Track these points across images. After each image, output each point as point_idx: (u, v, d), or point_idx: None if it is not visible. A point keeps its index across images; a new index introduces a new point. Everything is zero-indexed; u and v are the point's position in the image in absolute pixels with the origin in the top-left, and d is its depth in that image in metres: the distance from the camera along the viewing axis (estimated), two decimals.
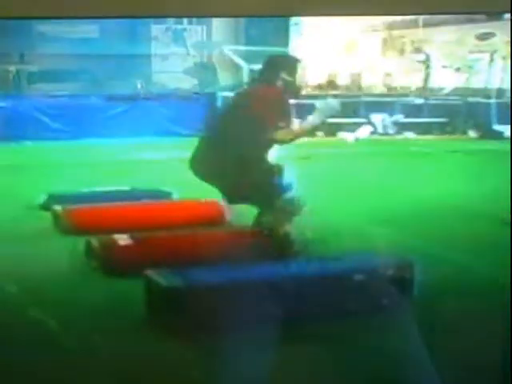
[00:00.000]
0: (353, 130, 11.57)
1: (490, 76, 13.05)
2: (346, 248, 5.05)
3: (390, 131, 12.76)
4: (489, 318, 3.85)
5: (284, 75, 4.67)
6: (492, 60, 13.04)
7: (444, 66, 13.83)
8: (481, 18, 11.61)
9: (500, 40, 12.69)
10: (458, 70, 13.66)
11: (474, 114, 12.79)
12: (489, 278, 4.49)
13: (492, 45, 13.03)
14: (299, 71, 4.81)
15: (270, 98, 4.68)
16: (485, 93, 12.84)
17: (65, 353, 3.59)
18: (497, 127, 12.07)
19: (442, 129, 12.91)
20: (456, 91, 13.26)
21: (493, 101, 12.45)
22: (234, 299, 3.72)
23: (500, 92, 12.53)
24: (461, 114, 12.88)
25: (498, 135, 11.64)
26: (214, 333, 3.57)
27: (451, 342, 3.60)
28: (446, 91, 13.53)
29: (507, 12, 1.94)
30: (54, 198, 6.02)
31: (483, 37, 13.11)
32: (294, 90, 4.77)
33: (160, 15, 1.90)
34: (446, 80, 13.74)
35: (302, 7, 1.81)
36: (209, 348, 3.52)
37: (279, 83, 4.67)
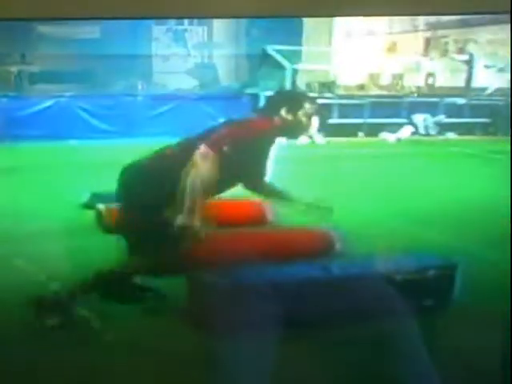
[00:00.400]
0: (394, 131, 11.53)
1: None
2: (385, 249, 5.05)
3: (432, 132, 12.67)
4: None
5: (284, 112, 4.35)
6: None
7: (487, 66, 13.70)
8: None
9: None
10: (501, 70, 13.51)
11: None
12: None
13: None
14: (304, 109, 4.41)
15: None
16: None
17: (108, 346, 3.75)
18: None
19: (484, 129, 12.79)
20: (499, 91, 13.12)
21: None
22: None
23: None
24: (503, 115, 12.75)
25: None
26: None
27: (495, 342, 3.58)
28: (488, 91, 13.40)
29: (507, 12, 1.93)
30: (97, 197, 6.10)
31: None
32: (293, 128, 4.43)
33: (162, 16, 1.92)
34: (488, 80, 13.61)
35: (302, 8, 1.82)
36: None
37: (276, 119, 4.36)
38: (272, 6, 1.85)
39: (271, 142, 4.38)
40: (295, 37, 13.08)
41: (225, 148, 4.03)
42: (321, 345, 3.80)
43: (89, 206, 6.00)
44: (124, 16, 1.79)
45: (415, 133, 12.21)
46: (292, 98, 4.54)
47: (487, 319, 3.87)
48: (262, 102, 4.85)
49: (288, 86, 12.26)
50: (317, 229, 5.31)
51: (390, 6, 1.73)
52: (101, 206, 5.69)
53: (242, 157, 4.10)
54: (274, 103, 4.44)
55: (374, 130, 11.56)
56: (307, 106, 4.40)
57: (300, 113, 4.34)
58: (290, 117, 4.33)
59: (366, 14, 1.90)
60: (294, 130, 4.41)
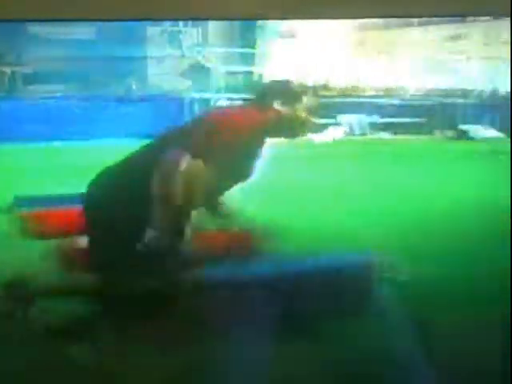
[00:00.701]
0: (328, 131, 11.52)
1: (465, 77, 13.12)
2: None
3: (365, 132, 12.74)
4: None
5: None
6: (468, 61, 13.12)
7: (420, 67, 13.86)
8: (455, 19, 11.69)
9: (476, 41, 12.77)
10: (434, 71, 13.70)
11: (450, 115, 12.85)
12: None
13: (467, 45, 13.11)
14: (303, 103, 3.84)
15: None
16: (461, 93, 12.91)
17: None
18: (471, 128, 12.14)
19: (418, 129, 12.92)
20: (432, 92, 13.29)
21: (468, 101, 12.53)
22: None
23: (475, 93, 12.60)
24: (437, 115, 12.93)
25: (474, 136, 11.69)
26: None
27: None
28: (422, 92, 13.55)
29: (507, 15, 1.89)
30: (21, 201, 5.86)
31: (458, 38, 13.19)
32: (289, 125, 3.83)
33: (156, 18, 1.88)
34: (422, 81, 13.78)
35: (297, 10, 1.79)
36: None
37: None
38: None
39: (260, 140, 3.76)
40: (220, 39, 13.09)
41: (206, 149, 3.44)
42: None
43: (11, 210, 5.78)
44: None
45: (348, 133, 12.25)
46: (289, 89, 3.82)
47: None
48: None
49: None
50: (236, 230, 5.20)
51: (389, 7, 1.82)
52: (22, 211, 5.47)
53: (225, 159, 3.50)
54: (269, 93, 3.78)
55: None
56: (307, 99, 3.82)
57: (298, 107, 3.78)
58: (286, 110, 3.76)
59: (358, 16, 1.88)
60: (290, 126, 3.80)
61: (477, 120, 12.13)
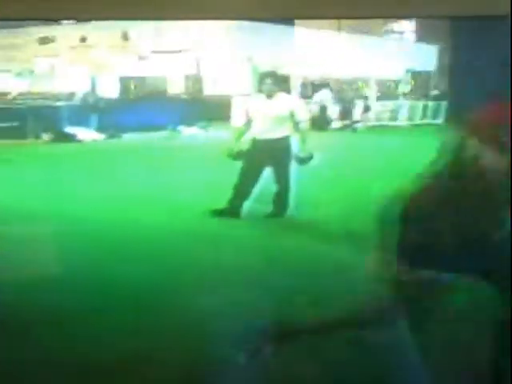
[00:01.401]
0: None
1: (55, 79, 13.26)
2: None
3: None
4: None
5: None
6: (56, 64, 13.30)
7: (5, 71, 13.69)
8: (43, 22, 11.55)
9: (63, 45, 13.00)
10: (19, 74, 13.68)
11: (44, 118, 12.66)
12: None
13: (55, 49, 13.25)
14: None
15: None
16: (54, 96, 12.92)
17: None
18: (69, 129, 12.22)
19: (13, 133, 12.42)
20: (22, 95, 13.10)
21: (62, 103, 12.62)
22: None
23: (69, 95, 12.73)
24: (31, 118, 12.62)
25: (71, 137, 11.92)
26: None
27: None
28: (11, 96, 13.28)
29: (507, 18, 1.82)
30: None
31: (45, 41, 13.33)
32: None
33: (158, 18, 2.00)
34: (9, 84, 13.49)
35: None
36: None
37: None
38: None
39: None
40: None
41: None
42: None
43: None
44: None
45: None
46: None
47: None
48: None
49: None
50: None
51: (388, 8, 1.77)
52: None
53: None
54: None
55: None
56: None
57: None
58: None
59: (362, 16, 1.88)
60: None
61: (73, 121, 12.34)
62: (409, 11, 1.86)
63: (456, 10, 1.85)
